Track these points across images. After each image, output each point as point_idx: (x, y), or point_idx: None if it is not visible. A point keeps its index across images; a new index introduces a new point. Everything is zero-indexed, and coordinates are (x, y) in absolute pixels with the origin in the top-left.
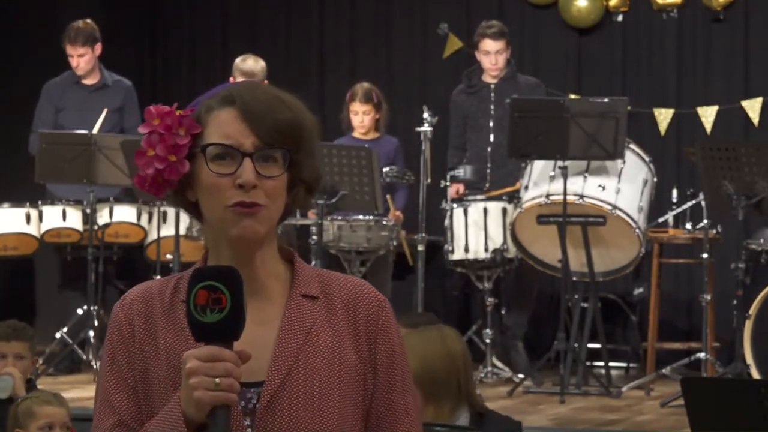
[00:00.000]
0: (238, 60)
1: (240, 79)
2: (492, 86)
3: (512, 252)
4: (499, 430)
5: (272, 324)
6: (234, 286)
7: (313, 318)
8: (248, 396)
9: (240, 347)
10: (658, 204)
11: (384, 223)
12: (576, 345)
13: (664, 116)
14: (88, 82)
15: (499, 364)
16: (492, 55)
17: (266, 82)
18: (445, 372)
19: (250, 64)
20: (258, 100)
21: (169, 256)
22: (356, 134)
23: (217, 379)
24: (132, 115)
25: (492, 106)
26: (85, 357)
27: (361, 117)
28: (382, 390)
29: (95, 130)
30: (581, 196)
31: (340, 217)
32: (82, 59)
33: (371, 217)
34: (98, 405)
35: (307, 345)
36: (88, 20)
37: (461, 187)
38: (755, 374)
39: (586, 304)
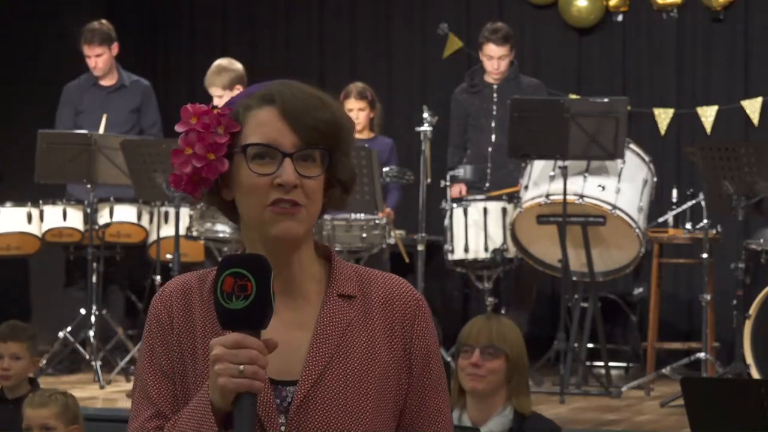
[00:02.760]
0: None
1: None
2: (494, 86)
3: (512, 252)
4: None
5: (308, 325)
6: (260, 273)
7: (349, 319)
8: (283, 394)
9: (277, 347)
10: (658, 204)
11: (377, 222)
12: (576, 345)
13: (664, 116)
14: (105, 83)
15: None
16: (495, 60)
17: (239, 87)
18: (523, 361)
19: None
20: (297, 99)
21: (169, 256)
22: None
23: (241, 366)
24: (150, 115)
25: (494, 107)
26: (87, 357)
27: (356, 114)
28: (416, 389)
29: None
30: (581, 196)
31: (338, 216)
32: (99, 59)
33: (365, 217)
34: (136, 396)
35: (342, 346)
36: (104, 21)
37: (463, 188)
38: (755, 374)
39: (586, 304)
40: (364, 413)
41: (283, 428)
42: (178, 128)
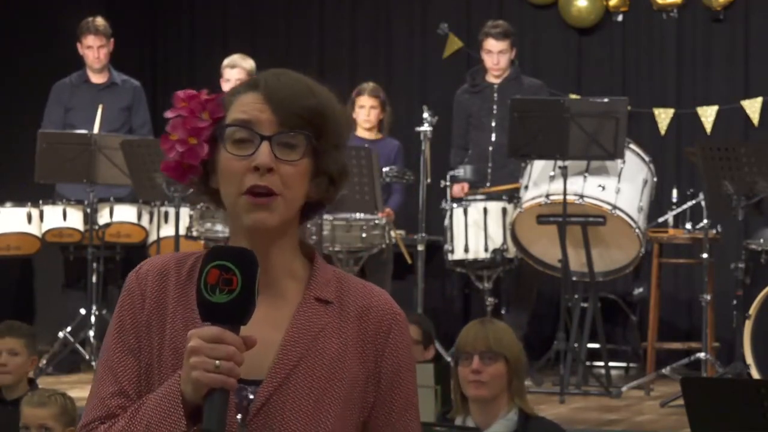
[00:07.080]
0: (225, 60)
1: (228, 72)
2: (495, 86)
3: (512, 252)
4: None
5: (282, 324)
6: (247, 268)
7: (323, 324)
8: (245, 393)
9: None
10: (658, 204)
11: (377, 222)
12: (576, 345)
13: (664, 116)
14: (97, 80)
15: None
16: (494, 55)
17: None
18: (522, 362)
19: (235, 59)
20: (283, 84)
21: None
22: (361, 130)
23: (217, 362)
24: (141, 115)
25: (495, 106)
26: (87, 357)
27: (367, 111)
28: (382, 405)
29: (95, 128)
30: (581, 196)
31: (338, 216)
32: (102, 51)
33: (365, 217)
34: (100, 370)
35: (312, 351)
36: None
37: (466, 186)
38: (755, 374)
39: (586, 304)
40: (325, 422)
41: (239, 427)
42: (167, 114)
